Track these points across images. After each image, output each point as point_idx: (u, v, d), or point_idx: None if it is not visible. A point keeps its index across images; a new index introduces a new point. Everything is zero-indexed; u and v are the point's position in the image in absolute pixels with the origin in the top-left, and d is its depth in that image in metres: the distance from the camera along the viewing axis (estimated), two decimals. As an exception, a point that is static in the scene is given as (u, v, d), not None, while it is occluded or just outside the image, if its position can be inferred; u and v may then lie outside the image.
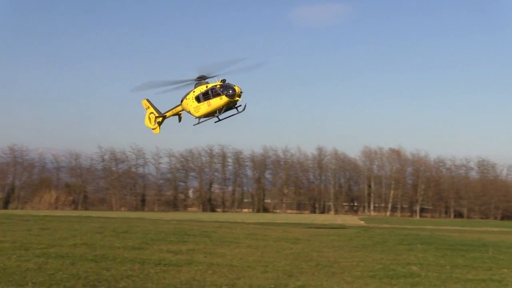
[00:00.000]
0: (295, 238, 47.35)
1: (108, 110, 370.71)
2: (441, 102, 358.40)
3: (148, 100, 68.38)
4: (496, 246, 43.19)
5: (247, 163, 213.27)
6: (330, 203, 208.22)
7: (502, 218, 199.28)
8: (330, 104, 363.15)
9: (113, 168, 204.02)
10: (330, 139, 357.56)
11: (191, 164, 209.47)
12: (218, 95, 58.28)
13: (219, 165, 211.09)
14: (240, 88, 58.41)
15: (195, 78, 61.86)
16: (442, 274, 25.75)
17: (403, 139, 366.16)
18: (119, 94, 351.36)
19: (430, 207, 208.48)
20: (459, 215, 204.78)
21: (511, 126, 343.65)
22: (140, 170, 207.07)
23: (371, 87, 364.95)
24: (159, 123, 67.15)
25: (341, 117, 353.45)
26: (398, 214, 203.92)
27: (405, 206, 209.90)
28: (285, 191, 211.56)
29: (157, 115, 66.94)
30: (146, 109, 68.38)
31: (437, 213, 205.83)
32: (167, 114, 66.98)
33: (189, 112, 62.57)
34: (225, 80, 58.97)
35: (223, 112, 59.85)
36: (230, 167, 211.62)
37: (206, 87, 60.14)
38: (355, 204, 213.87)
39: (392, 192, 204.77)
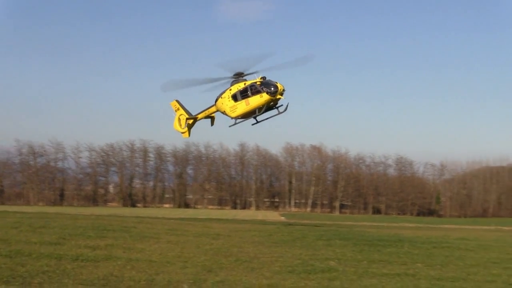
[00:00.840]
0: (215, 233, 47.35)
1: (27, 103, 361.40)
2: (360, 100, 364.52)
3: (178, 101, 63.12)
4: (412, 241, 44.27)
5: (168, 158, 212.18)
6: (252, 199, 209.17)
7: (418, 214, 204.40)
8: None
9: (31, 162, 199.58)
10: (252, 135, 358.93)
11: (112, 159, 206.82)
12: (258, 92, 53.53)
13: (141, 160, 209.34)
14: (282, 86, 53.57)
15: (231, 75, 56.66)
16: (359, 269, 26.24)
17: (324, 136, 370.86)
18: (41, 86, 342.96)
19: (350, 203, 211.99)
20: (377, 211, 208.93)
21: (428, 124, 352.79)
22: (60, 164, 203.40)
23: (293, 84, 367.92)
24: (190, 126, 62.03)
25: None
26: (318, 210, 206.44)
27: (325, 202, 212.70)
28: (207, 186, 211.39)
29: (187, 116, 61.77)
30: (176, 111, 63.07)
31: (356, 209, 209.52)
32: (199, 116, 61.78)
33: (224, 112, 57.66)
34: (266, 77, 54.11)
35: (263, 112, 54.95)
36: (151, 162, 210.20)
37: (245, 84, 55.33)
38: (276, 200, 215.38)
39: (312, 188, 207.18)
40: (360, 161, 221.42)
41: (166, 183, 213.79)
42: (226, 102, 56.36)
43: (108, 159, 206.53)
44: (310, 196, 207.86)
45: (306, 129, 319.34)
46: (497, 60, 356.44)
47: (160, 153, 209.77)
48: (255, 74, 54.74)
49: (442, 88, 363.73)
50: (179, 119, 62.11)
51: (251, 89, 54.07)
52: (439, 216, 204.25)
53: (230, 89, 56.18)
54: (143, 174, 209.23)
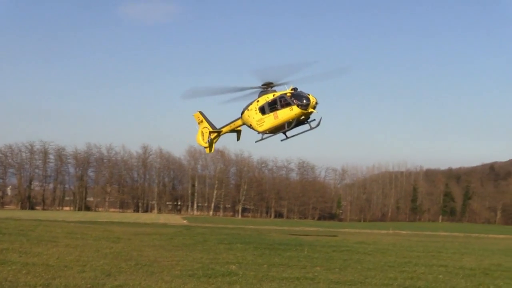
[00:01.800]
0: (115, 237, 46.64)
1: None
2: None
3: (201, 113, 58.49)
4: (311, 245, 44.86)
5: (69, 160, 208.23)
6: (154, 202, 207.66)
7: (319, 218, 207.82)
8: (156, 103, 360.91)
9: None
10: (155, 138, 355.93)
11: (10, 160, 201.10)
12: (288, 105, 48.99)
13: (40, 161, 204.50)
14: (315, 98, 49.04)
15: (260, 85, 52.12)
16: (259, 272, 26.32)
17: (227, 140, 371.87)
18: None
19: (252, 207, 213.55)
20: (279, 215, 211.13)
21: (329, 129, 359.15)
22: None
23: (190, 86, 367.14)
24: (213, 140, 57.61)
25: (167, 116, 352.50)
26: (221, 213, 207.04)
27: (227, 205, 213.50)
28: (108, 189, 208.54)
29: (211, 130, 57.24)
30: (199, 123, 58.46)
31: (258, 213, 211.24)
32: (223, 130, 57.02)
33: (250, 126, 52.89)
34: (297, 88, 49.72)
35: (293, 127, 50.40)
36: (51, 164, 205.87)
37: (274, 95, 50.65)
38: (179, 203, 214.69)
39: (215, 191, 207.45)
40: (263, 165, 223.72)
41: (67, 186, 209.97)
42: (253, 115, 51.76)
43: (6, 161, 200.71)
44: (212, 199, 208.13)
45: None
46: (399, 67, 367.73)
47: (60, 155, 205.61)
48: (285, 85, 50.31)
49: (343, 94, 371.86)
50: (202, 132, 57.76)
51: (280, 101, 49.61)
52: (340, 220, 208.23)
53: (258, 101, 51.62)
54: (42, 176, 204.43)
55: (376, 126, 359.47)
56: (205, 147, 58.60)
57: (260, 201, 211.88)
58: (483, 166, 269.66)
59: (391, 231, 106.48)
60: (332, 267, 30.04)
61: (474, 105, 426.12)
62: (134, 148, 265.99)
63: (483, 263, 35.83)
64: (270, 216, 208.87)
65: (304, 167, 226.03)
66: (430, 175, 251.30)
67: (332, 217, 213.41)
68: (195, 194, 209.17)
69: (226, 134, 57.01)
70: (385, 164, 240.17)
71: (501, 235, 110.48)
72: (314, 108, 48.77)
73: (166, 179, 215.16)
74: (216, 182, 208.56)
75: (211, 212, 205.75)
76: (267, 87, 51.73)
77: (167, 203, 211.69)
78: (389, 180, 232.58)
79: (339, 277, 26.08)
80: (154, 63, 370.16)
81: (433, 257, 39.06)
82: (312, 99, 48.44)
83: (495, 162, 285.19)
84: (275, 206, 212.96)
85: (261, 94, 51.83)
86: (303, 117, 49.41)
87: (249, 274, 25.48)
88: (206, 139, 57.47)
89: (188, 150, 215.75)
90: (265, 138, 52.63)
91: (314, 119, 50.73)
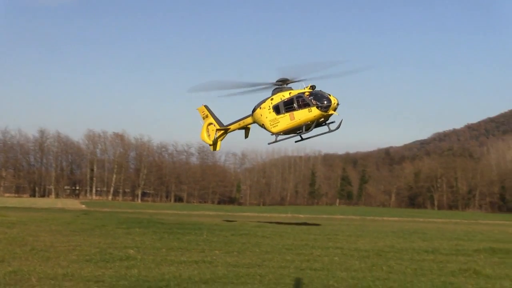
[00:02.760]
0: (10, 222, 45.48)
1: None
2: (160, 90, 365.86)
3: (206, 107, 55.14)
4: (210, 229, 45.07)
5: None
6: (51, 187, 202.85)
7: (219, 202, 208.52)
8: (53, 87, 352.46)
9: None
10: (53, 121, 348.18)
11: None
12: (306, 105, 45.70)
13: None
14: (336, 99, 45.67)
15: (274, 81, 48.97)
16: (157, 256, 26.28)
17: (127, 124, 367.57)
18: None
19: (152, 192, 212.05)
20: (179, 199, 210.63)
21: (229, 114, 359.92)
22: None
23: (96, 71, 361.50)
24: (219, 138, 54.06)
25: (65, 100, 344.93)
26: (120, 198, 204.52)
27: (127, 190, 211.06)
28: (3, 173, 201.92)
29: (218, 127, 53.86)
30: (204, 118, 55.01)
31: (158, 197, 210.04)
32: (232, 127, 53.73)
33: (263, 126, 49.55)
34: (315, 87, 46.33)
35: (311, 130, 47.14)
36: None
37: (290, 94, 47.29)
38: (77, 188, 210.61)
39: (114, 176, 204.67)
40: (163, 149, 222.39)
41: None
42: (266, 114, 48.54)
43: None
44: (112, 184, 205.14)
45: (109, 116, 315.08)
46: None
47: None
48: (302, 82, 47.49)
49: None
50: (207, 128, 54.50)
51: (297, 101, 46.30)
52: (240, 204, 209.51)
53: (272, 99, 48.53)
54: None
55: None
56: (210, 145, 55.14)
57: (160, 186, 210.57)
58: (379, 150, 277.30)
59: (289, 215, 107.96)
60: (230, 250, 30.29)
61: (370, 91, 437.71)
62: (31, 131, 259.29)
63: (377, 245, 36.90)
64: (170, 200, 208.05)
65: (204, 152, 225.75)
66: (328, 159, 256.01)
67: (231, 201, 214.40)
68: (94, 178, 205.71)
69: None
70: (284, 148, 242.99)
71: (395, 217, 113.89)
72: (335, 110, 45.76)
73: (64, 163, 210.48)
74: (116, 166, 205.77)
75: (110, 197, 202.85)
76: (282, 83, 48.34)
77: (65, 187, 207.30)
78: (288, 165, 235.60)
79: (237, 260, 26.34)
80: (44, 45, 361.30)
81: (330, 240, 39.90)
82: (334, 100, 45.27)
83: (390, 147, 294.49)
84: (175, 190, 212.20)
85: (276, 91, 48.70)
86: (322, 119, 46.45)
87: (147, 258, 25.42)
88: (212, 136, 54.03)
89: (87, 134, 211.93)
90: (279, 141, 49.53)
91: (334, 121, 47.84)
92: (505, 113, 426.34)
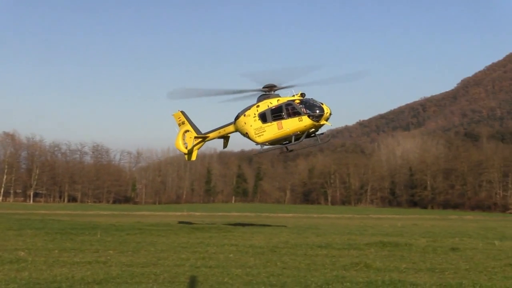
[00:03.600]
0: None
1: None
2: (56, 88, 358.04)
3: (183, 113, 50.93)
4: (105, 229, 44.40)
5: None
6: None
7: (114, 202, 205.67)
8: None
9: None
10: None
11: None
12: (296, 114, 42.60)
13: None
14: (329, 108, 42.64)
15: (260, 87, 45.30)
16: (49, 258, 25.70)
17: (17, 123, 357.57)
18: None
19: (45, 192, 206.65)
20: (73, 199, 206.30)
21: (124, 112, 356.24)
22: None
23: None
24: (195, 146, 50.11)
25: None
26: (11, 199, 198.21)
27: (18, 191, 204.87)
28: None
29: (195, 134, 49.86)
30: (180, 125, 50.92)
31: (51, 198, 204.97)
32: (211, 135, 49.87)
33: (246, 135, 46.02)
34: (305, 95, 43.31)
35: (300, 141, 44.18)
36: None
37: (278, 101, 43.91)
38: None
39: (5, 177, 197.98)
40: (56, 148, 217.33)
41: None
42: (250, 122, 45.20)
43: None
44: (2, 184, 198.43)
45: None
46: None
47: None
48: (292, 89, 44.30)
49: (134, 79, 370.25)
50: (183, 136, 50.53)
51: (287, 109, 43.06)
52: (135, 203, 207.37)
53: (258, 106, 45.10)
54: None
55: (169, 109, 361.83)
56: (185, 154, 51.43)
57: (52, 186, 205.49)
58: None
59: (185, 213, 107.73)
60: (125, 250, 30.00)
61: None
62: None
63: (272, 241, 37.34)
64: (64, 201, 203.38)
65: (99, 151, 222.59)
66: (224, 157, 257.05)
67: (127, 200, 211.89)
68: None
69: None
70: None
71: (290, 213, 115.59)
72: (327, 120, 43.01)
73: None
74: (6, 166, 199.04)
75: (0, 198, 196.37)
76: (269, 90, 45.26)
77: None
78: (184, 163, 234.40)
79: (132, 259, 26.12)
80: None
81: (225, 237, 40.09)
82: (326, 110, 42.52)
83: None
84: (69, 190, 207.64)
85: (262, 98, 45.46)
86: (312, 129, 43.65)
87: (38, 260, 24.84)
88: (189, 145, 50.25)
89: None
90: (263, 152, 46.73)
91: (324, 132, 46.09)
92: (394, 110, 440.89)
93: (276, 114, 43.59)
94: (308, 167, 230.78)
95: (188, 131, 50.64)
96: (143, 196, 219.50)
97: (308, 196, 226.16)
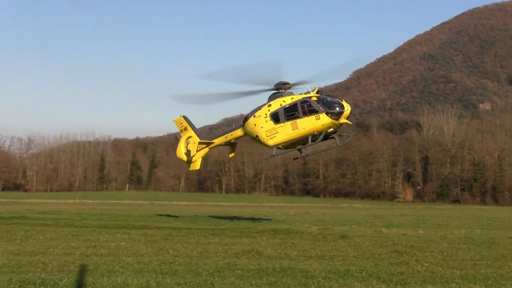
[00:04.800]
0: None
1: None
2: None
3: (185, 118, 46.29)
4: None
5: None
6: None
7: (4, 189, 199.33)
8: None
9: None
10: None
11: None
12: (313, 112, 38.51)
13: None
14: (349, 106, 39.01)
15: (272, 85, 41.02)
16: None
17: None
18: None
19: None
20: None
21: (15, 98, 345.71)
22: None
23: None
24: (198, 153, 45.38)
25: None
26: None
27: None
28: None
29: (198, 140, 45.01)
30: (182, 131, 46.27)
31: None
32: (216, 142, 45.17)
33: (256, 138, 41.49)
34: (321, 92, 39.53)
35: (318, 142, 39.70)
36: None
37: (292, 99, 39.71)
38: None
39: None
40: None
41: None
42: (261, 123, 40.75)
43: None
44: None
45: None
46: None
47: None
48: (308, 86, 40.38)
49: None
50: (186, 142, 45.83)
51: (302, 106, 39.00)
52: (25, 190, 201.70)
53: (270, 105, 40.76)
54: None
55: (63, 94, 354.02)
56: (188, 163, 46.79)
57: None
58: (169, 135, 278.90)
59: (77, 201, 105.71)
60: (13, 238, 29.32)
61: (161, 76, 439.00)
62: None
63: (165, 229, 37.22)
64: None
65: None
66: (118, 144, 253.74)
67: (17, 187, 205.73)
68: None
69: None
70: (73, 133, 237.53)
71: (184, 201, 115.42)
72: (346, 118, 39.19)
73: None
74: None
75: None
76: (282, 88, 41.36)
77: None
78: (77, 150, 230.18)
79: (20, 248, 25.51)
80: None
81: (117, 226, 39.68)
82: (347, 107, 38.95)
83: (178, 132, 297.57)
84: None
85: (274, 97, 41.38)
86: (331, 129, 39.43)
87: None
88: (193, 151, 45.69)
89: None
90: (277, 155, 42.51)
91: (344, 134, 42.73)
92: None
93: (290, 113, 39.51)
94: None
95: (191, 137, 46.48)
96: (34, 183, 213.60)
97: (202, 184, 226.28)
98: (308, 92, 39.92)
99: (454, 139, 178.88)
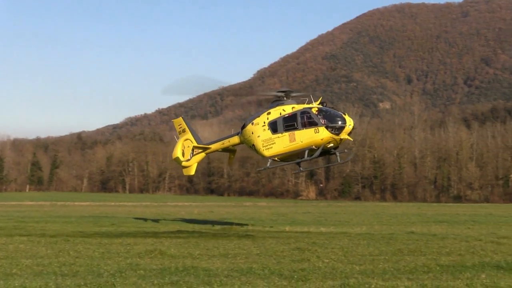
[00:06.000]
0: None
1: None
2: None
3: (184, 119, 43.48)
4: None
5: None
6: None
7: None
8: None
9: None
10: None
11: None
12: (313, 124, 35.67)
13: None
14: (352, 120, 36.19)
15: (274, 92, 38.45)
16: None
17: None
18: None
19: None
20: None
21: None
22: None
23: None
24: (194, 157, 42.15)
25: None
26: None
27: None
28: None
29: (195, 144, 41.72)
30: (180, 133, 43.20)
31: None
32: (213, 147, 41.86)
33: (252, 147, 38.82)
34: (325, 104, 36.62)
35: (315, 157, 36.52)
36: None
37: (293, 108, 36.66)
38: None
39: None
40: None
41: None
42: (258, 132, 38.34)
43: None
44: None
45: None
46: None
47: None
48: (311, 96, 37.79)
49: None
50: (183, 145, 42.87)
51: (302, 117, 36.33)
52: None
53: (269, 113, 38.09)
54: None
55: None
56: (184, 166, 43.76)
57: None
58: (71, 135, 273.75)
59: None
60: None
61: (63, 75, 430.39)
62: None
63: (66, 230, 36.60)
64: None
65: None
66: (18, 144, 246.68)
67: None
68: None
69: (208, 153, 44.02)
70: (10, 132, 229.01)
71: (87, 202, 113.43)
72: (349, 134, 36.53)
73: None
74: None
75: None
76: (284, 96, 38.78)
77: None
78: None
79: None
80: None
81: (16, 228, 38.73)
82: (349, 122, 36.02)
83: (83, 131, 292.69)
84: None
85: (275, 104, 38.79)
86: (331, 144, 36.70)
87: None
88: (187, 155, 42.93)
89: None
90: (272, 167, 39.95)
91: (345, 150, 40.07)
92: (194, 99, 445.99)
93: (289, 123, 37.04)
94: (106, 155, 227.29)
95: (188, 140, 43.80)
96: None
97: (106, 184, 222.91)
98: (311, 102, 37.85)
99: (355, 137, 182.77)
